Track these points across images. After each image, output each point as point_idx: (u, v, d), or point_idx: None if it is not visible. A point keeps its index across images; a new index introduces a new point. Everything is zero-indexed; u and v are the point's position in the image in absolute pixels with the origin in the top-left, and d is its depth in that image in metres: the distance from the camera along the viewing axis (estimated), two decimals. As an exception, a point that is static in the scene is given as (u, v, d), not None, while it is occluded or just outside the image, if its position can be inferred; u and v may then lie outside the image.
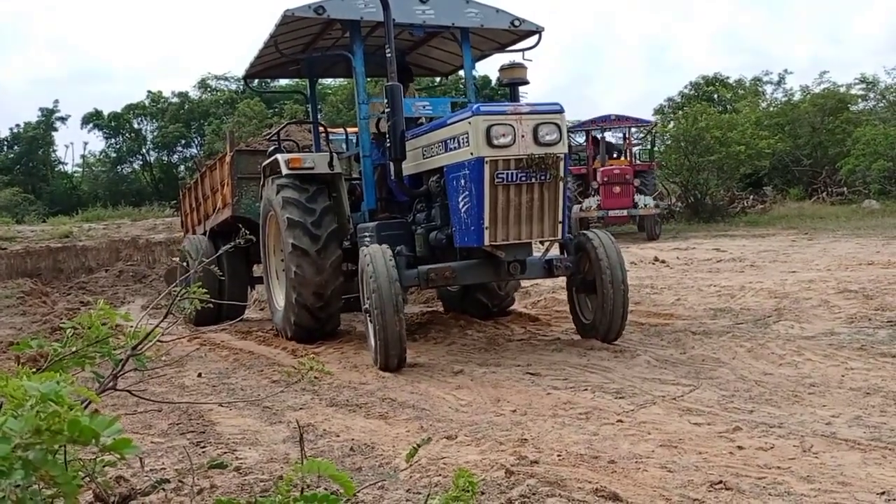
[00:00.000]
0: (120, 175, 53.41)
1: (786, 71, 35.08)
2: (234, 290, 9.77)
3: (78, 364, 2.13)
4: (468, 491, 1.82)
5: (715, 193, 22.18)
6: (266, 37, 7.50)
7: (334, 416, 4.54)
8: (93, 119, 52.75)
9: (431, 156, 6.42)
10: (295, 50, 8.05)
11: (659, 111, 35.24)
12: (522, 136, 5.64)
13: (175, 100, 53.28)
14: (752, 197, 24.46)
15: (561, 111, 5.85)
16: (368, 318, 6.04)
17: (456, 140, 5.93)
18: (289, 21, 7.02)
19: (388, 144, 6.53)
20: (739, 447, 3.54)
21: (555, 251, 6.62)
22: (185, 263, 10.56)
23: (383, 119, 7.87)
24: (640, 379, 5.11)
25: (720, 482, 3.03)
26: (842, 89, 27.87)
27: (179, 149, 54.50)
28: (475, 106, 5.81)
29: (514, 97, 6.68)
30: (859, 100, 27.73)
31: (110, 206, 40.89)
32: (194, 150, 53.21)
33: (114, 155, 54.16)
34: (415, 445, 2.22)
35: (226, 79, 54.34)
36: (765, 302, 7.82)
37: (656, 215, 18.08)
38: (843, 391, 4.54)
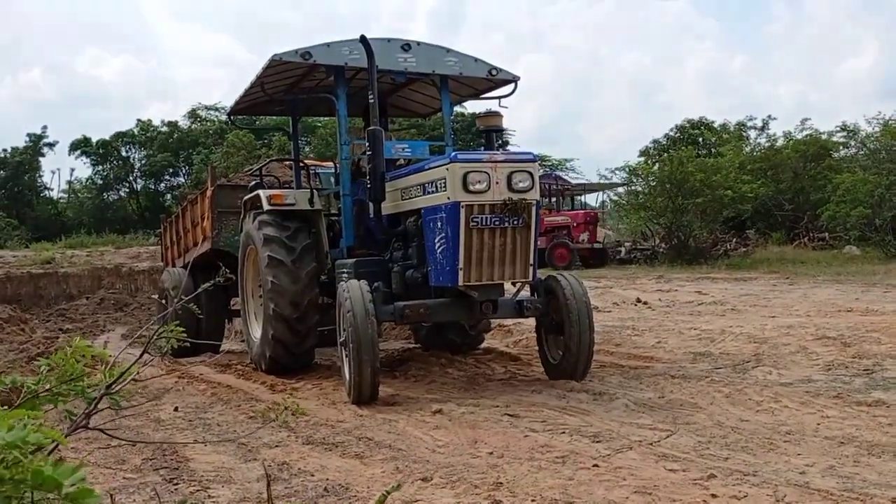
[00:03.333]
0: (106, 202, 53.23)
1: (769, 117, 35.50)
2: (212, 323, 9.76)
3: (51, 402, 2.12)
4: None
5: (699, 235, 22.36)
6: (253, 78, 7.75)
7: (310, 455, 4.51)
8: (81, 146, 52.68)
9: (410, 198, 6.64)
10: (279, 90, 8.34)
11: (644, 152, 35.63)
12: (497, 183, 5.88)
13: (164, 129, 53.41)
14: (734, 240, 24.67)
15: (534, 160, 6.17)
16: (344, 352, 6.14)
17: (434, 184, 6.16)
18: (275, 65, 7.30)
19: (369, 185, 6.78)
20: (713, 495, 3.55)
21: (525, 292, 6.81)
22: (163, 301, 10.62)
23: (364, 159, 7.98)
24: (617, 423, 5.11)
25: (692, 531, 3.04)
26: (823, 136, 28.32)
27: (167, 177, 54.47)
28: (453, 154, 6.07)
29: (490, 143, 6.91)
30: (840, 147, 28.17)
31: (95, 233, 40.72)
32: (182, 179, 53.21)
33: (100, 182, 54.01)
34: (385, 491, 2.23)
35: (216, 109, 54.51)
36: (744, 347, 7.87)
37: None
38: (818, 440, 4.57)
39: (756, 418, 5.17)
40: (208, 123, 53.72)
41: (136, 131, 53.82)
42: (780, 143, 29.82)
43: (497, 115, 6.72)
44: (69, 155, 53.24)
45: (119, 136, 53.34)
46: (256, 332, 8.09)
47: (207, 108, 54.47)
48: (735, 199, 22.02)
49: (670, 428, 4.93)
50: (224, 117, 54.18)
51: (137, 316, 18.36)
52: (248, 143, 42.47)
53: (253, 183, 9.01)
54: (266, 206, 7.62)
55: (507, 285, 6.54)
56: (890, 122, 24.68)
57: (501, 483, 3.76)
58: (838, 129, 28.17)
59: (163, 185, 55.51)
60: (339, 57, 7.18)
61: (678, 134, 37.08)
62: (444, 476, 3.98)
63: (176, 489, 3.88)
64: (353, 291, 5.98)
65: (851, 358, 7.03)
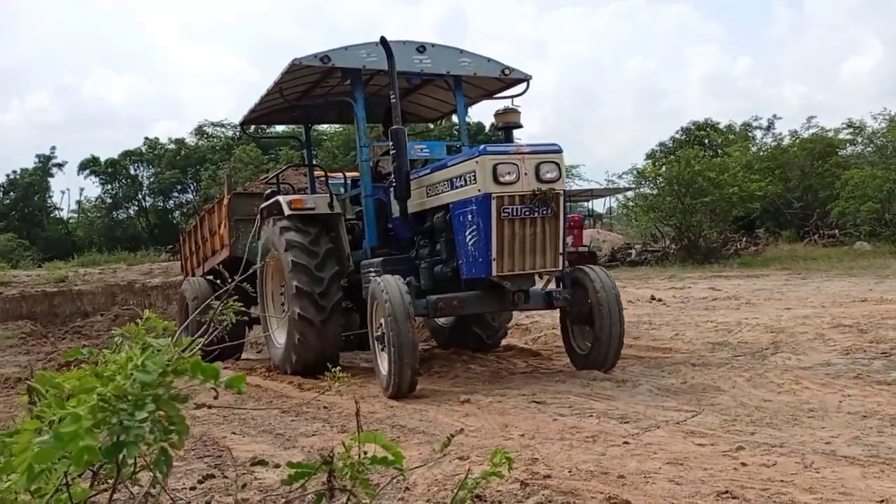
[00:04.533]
0: (115, 220, 53.58)
1: (775, 116, 35.73)
2: (233, 330, 9.76)
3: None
4: (504, 464, 1.96)
5: (708, 235, 22.44)
6: (270, 84, 7.92)
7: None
8: (89, 165, 53.12)
9: (436, 194, 6.77)
10: (296, 94, 8.44)
11: (651, 155, 35.79)
12: (525, 174, 6.03)
13: (172, 146, 53.79)
14: (744, 239, 24.73)
15: (560, 151, 6.27)
16: (379, 346, 6.23)
17: (462, 178, 6.30)
18: (295, 69, 7.46)
19: (393, 184, 6.96)
20: (743, 464, 3.66)
21: (551, 284, 6.90)
22: (184, 309, 10.78)
23: (383, 160, 8.17)
24: (643, 406, 5.23)
25: (727, 492, 3.16)
26: (830, 134, 28.39)
27: (175, 194, 54.82)
28: (482, 147, 6.19)
29: (509, 140, 6.99)
30: (847, 144, 28.23)
31: (106, 251, 41.01)
32: (190, 196, 53.56)
33: (109, 201, 54.39)
34: (449, 436, 2.36)
35: (222, 125, 54.89)
36: (761, 336, 7.97)
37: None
38: (841, 415, 4.68)
39: (779, 398, 5.28)
40: (215, 140, 54.07)
41: (143, 149, 54.24)
42: (786, 142, 29.90)
43: (515, 111, 6.78)
44: (78, 175, 53.76)
45: (127, 154, 53.75)
46: (280, 336, 8.14)
47: (214, 124, 54.83)
48: (743, 197, 22.09)
49: (695, 409, 5.04)
50: (231, 133, 54.69)
51: (153, 331, 18.48)
52: (255, 158, 42.80)
53: (269, 191, 9.17)
54: (287, 211, 7.75)
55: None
56: (894, 118, 24.75)
57: (537, 458, 3.87)
58: (844, 126, 28.25)
59: (171, 202, 55.86)
60: (356, 60, 7.37)
61: (684, 136, 37.23)
62: (480, 455, 4.09)
63: (222, 474, 4.01)
64: (391, 288, 6.03)
65: (869, 343, 7.14)
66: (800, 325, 8.30)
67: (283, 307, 8.05)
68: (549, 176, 6.10)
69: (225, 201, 10.42)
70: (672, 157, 26.36)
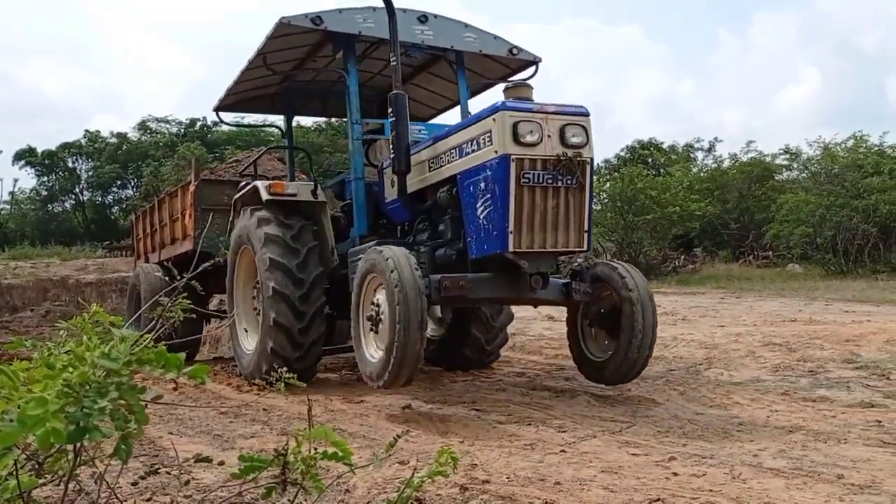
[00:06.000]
0: (50, 214, 52.13)
1: (716, 139, 36.87)
2: (188, 327, 9.23)
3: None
4: (449, 464, 2.01)
5: (648, 252, 22.96)
6: (252, 55, 7.14)
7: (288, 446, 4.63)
8: (25, 156, 51.59)
9: (440, 166, 6.00)
10: (282, 68, 7.62)
11: (596, 172, 36.35)
12: (549, 136, 5.28)
13: (113, 140, 52.62)
14: (683, 257, 25.37)
15: (587, 114, 5.49)
16: (369, 328, 5.47)
17: (475, 142, 5.54)
18: (282, 33, 6.64)
19: (388, 163, 6.31)
20: (674, 473, 3.78)
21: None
22: (134, 298, 10.21)
23: (375, 148, 7.17)
24: (580, 415, 5.34)
25: (658, 500, 3.26)
26: (767, 159, 29.38)
27: (115, 190, 53.63)
28: (499, 102, 5.37)
29: None
30: (784, 169, 29.25)
31: (39, 244, 39.83)
32: (130, 192, 52.44)
33: (45, 193, 52.90)
34: (395, 437, 2.40)
35: (166, 121, 53.97)
36: (696, 352, 8.21)
37: None
38: (768, 429, 4.85)
39: (710, 412, 5.45)
40: (158, 135, 53.11)
41: (83, 142, 52.94)
42: (726, 164, 30.86)
43: (527, 86, 5.77)
44: (13, 165, 52.16)
45: (66, 146, 52.38)
46: (248, 341, 7.35)
47: (158, 120, 53.87)
48: (683, 216, 22.72)
49: (630, 420, 5.17)
50: (175, 129, 53.80)
51: (85, 328, 18.03)
52: (199, 156, 42.17)
53: (244, 182, 8.22)
54: (265, 197, 6.91)
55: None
56: (829, 145, 25.73)
57: (476, 464, 3.93)
58: (782, 151, 29.28)
59: (110, 197, 54.63)
60: (352, 24, 6.62)
61: (628, 154, 38.00)
62: (421, 459, 4.13)
63: (159, 474, 3.96)
64: (400, 261, 5.11)
65: (797, 361, 7.40)
66: (732, 343, 8.57)
67: (255, 310, 7.28)
68: (574, 140, 5.32)
69: (191, 188, 9.42)
70: (616, 174, 26.94)
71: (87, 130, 54.05)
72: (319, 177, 7.66)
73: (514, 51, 7.18)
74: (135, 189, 50.08)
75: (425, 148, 6.20)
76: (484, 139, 5.41)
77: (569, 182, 5.34)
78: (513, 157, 5.19)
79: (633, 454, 4.24)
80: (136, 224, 12.57)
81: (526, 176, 5.22)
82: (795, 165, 28.50)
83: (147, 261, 11.24)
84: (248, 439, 4.81)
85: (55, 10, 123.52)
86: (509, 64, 7.51)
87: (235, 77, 7.60)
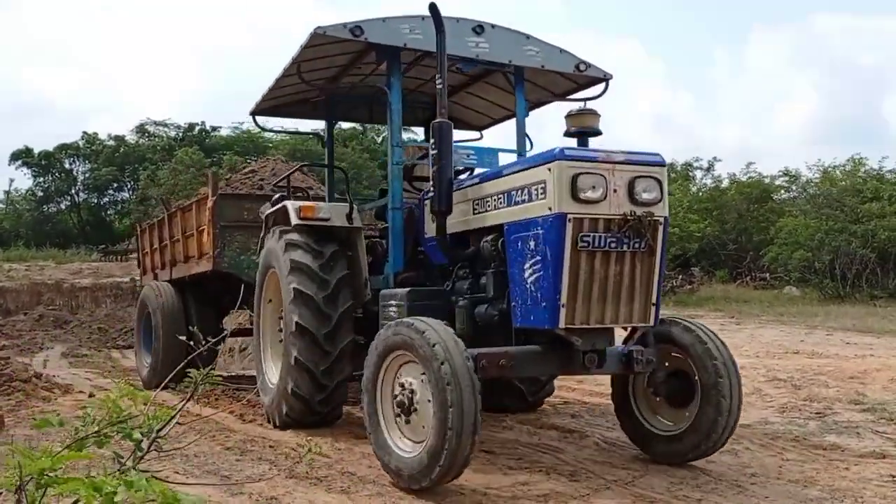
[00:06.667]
0: (45, 215, 52.03)
1: (715, 158, 36.96)
2: (209, 353, 8.60)
3: (98, 443, 2.19)
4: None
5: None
6: (287, 62, 6.48)
7: (296, 489, 4.56)
8: (22, 156, 51.51)
9: (485, 210, 5.20)
10: (318, 80, 6.97)
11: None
12: (615, 191, 4.49)
13: (111, 142, 52.55)
14: (680, 277, 25.38)
15: (663, 164, 4.73)
16: (398, 415, 4.64)
17: (525, 191, 4.73)
18: (317, 42, 6.00)
19: (430, 194, 5.52)
20: (694, 537, 3.73)
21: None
22: (145, 318, 9.86)
23: (420, 166, 6.72)
24: (590, 461, 5.29)
25: (682, 573, 3.21)
26: (767, 180, 29.48)
27: (111, 192, 53.58)
28: (557, 149, 4.56)
29: None
30: (782, 191, 29.35)
31: (34, 245, 39.66)
32: (126, 195, 52.37)
33: (41, 194, 52.78)
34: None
35: (165, 125, 53.99)
36: (701, 387, 8.15)
37: None
38: (782, 483, 4.80)
39: (721, 459, 5.38)
40: (156, 139, 53.10)
41: (80, 144, 52.87)
42: (725, 184, 30.91)
43: (593, 114, 5.12)
44: (9, 165, 52.09)
45: (63, 147, 52.33)
46: (272, 376, 6.73)
47: (156, 123, 53.88)
48: (682, 237, 22.71)
49: (642, 468, 5.11)
50: (173, 133, 53.76)
51: (78, 334, 17.92)
52: (197, 161, 42.13)
53: (278, 195, 7.52)
54: (294, 220, 6.30)
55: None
56: (829, 168, 25.82)
57: (492, 521, 3.88)
58: (781, 173, 29.38)
59: (106, 199, 54.57)
60: (396, 36, 5.87)
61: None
62: (434, 513, 4.09)
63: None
64: (450, 347, 4.25)
65: (803, 401, 7.37)
66: (737, 377, 8.52)
67: (280, 339, 6.70)
68: (646, 196, 4.54)
69: (209, 203, 8.70)
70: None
71: (84, 132, 53.96)
72: (362, 193, 7.09)
73: (582, 66, 6.44)
74: (131, 192, 50.01)
75: (471, 186, 5.42)
76: (536, 190, 4.62)
77: (636, 245, 4.55)
78: (569, 216, 4.40)
79: (649, 510, 4.19)
80: (142, 237, 11.93)
81: (585, 239, 4.43)
82: (794, 188, 28.62)
83: (156, 278, 10.67)
84: (257, 482, 4.73)
85: (57, 9, 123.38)
86: (575, 79, 6.82)
87: (270, 84, 7.00)
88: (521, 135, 6.65)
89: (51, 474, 1.87)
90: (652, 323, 4.72)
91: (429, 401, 4.31)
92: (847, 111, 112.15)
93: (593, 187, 4.44)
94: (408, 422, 4.55)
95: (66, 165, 52.93)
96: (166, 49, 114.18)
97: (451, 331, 4.41)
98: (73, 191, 53.08)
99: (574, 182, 4.41)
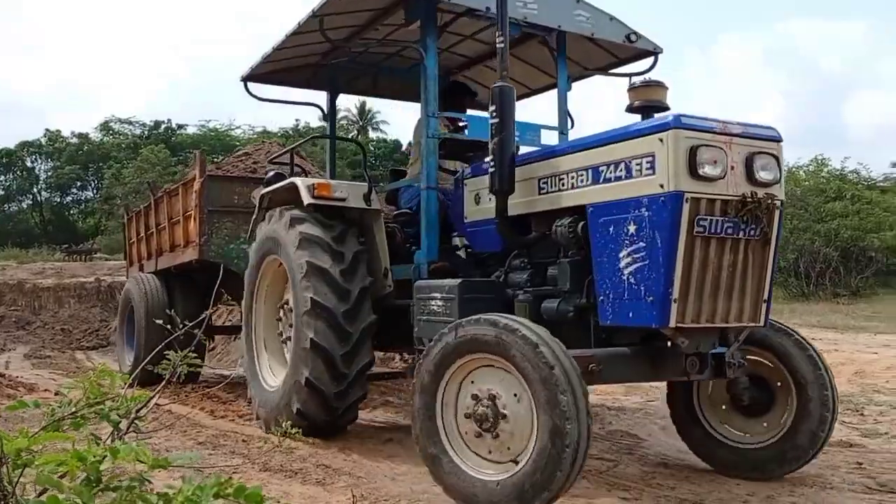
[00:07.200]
0: (6, 214, 51.10)
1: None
2: (190, 342, 7.80)
3: (75, 426, 2.16)
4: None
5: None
6: (303, 17, 5.68)
7: (270, 482, 4.52)
8: (-18, 153, 50.52)
9: (557, 190, 4.49)
10: (340, 35, 5.99)
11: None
12: (732, 168, 3.89)
13: (74, 140, 51.75)
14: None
15: (780, 139, 4.11)
16: (485, 433, 3.76)
17: (621, 166, 4.06)
18: None
19: (469, 174, 5.02)
20: (669, 522, 3.77)
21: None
22: (128, 312, 9.40)
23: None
24: (565, 452, 5.32)
25: (659, 556, 3.24)
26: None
27: (74, 191, 52.76)
28: (671, 116, 3.89)
29: None
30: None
31: (-5, 245, 38.87)
32: (90, 194, 51.62)
33: (2, 192, 51.83)
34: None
35: (130, 122, 53.36)
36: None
37: None
38: (753, 471, 4.86)
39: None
40: (121, 137, 52.45)
41: (43, 141, 52.00)
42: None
43: (660, 86, 4.37)
44: (-31, 163, 51.02)
45: (25, 145, 51.44)
46: (272, 376, 6.13)
47: (121, 121, 53.20)
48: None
49: (615, 457, 5.17)
50: (139, 131, 53.11)
51: (41, 335, 17.67)
52: (163, 160, 41.72)
53: (272, 173, 6.84)
54: (307, 199, 5.63)
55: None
56: (793, 169, 26.26)
57: (468, 510, 3.87)
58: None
59: (69, 198, 53.75)
60: None
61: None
62: (409, 503, 4.08)
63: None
64: (549, 341, 3.56)
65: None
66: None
67: (280, 335, 6.19)
68: (765, 175, 3.94)
69: (196, 185, 8.05)
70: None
71: (47, 129, 53.06)
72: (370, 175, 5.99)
73: (633, 37, 5.76)
74: (95, 191, 49.30)
75: (537, 160, 4.72)
76: (641, 164, 3.94)
77: (751, 232, 3.96)
78: (687, 195, 3.76)
79: (624, 498, 4.23)
80: (129, 225, 11.19)
81: (701, 223, 3.80)
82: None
83: (142, 269, 10.04)
84: (231, 475, 4.68)
85: (19, 4, 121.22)
86: (618, 53, 6.12)
87: (277, 42, 6.17)
88: (563, 111, 5.96)
89: (27, 455, 1.84)
90: (762, 323, 4.14)
91: (528, 413, 3.57)
92: (812, 114, 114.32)
93: (715, 162, 3.81)
94: (490, 438, 3.73)
95: (29, 164, 52.05)
96: (133, 46, 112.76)
97: (561, 345, 3.62)
98: (35, 189, 52.18)
99: (693, 155, 3.77)
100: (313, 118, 50.94)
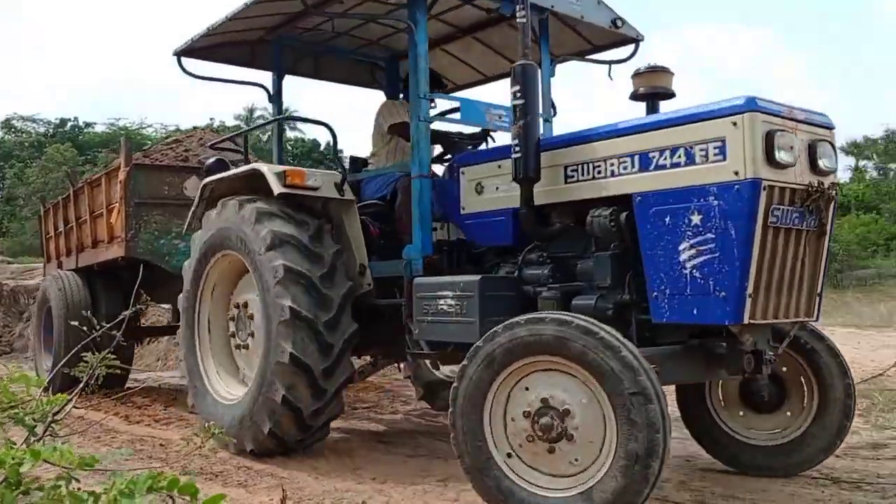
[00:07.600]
0: None
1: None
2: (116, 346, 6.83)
3: (-12, 429, 2.09)
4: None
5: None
6: None
7: (191, 486, 4.44)
8: None
9: (592, 178, 4.16)
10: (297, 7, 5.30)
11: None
12: (798, 156, 3.68)
13: (-27, 138, 49.31)
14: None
15: (834, 127, 3.98)
16: (553, 448, 3.42)
17: (684, 151, 3.74)
18: None
19: (517, 153, 4.19)
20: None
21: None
22: (45, 313, 8.66)
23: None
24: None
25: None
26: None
27: (-27, 191, 50.21)
28: (743, 98, 3.59)
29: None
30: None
31: None
32: (-8, 194, 49.25)
33: None
34: None
35: (33, 120, 51.22)
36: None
37: None
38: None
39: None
40: (24, 135, 50.29)
41: (-61, 139, 49.36)
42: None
43: (666, 72, 4.28)
44: None
45: (-82, 143, 48.68)
46: (225, 387, 5.53)
47: (24, 118, 51.00)
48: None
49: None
50: (42, 129, 51.00)
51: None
52: (70, 159, 40.13)
53: (212, 159, 6.22)
54: (278, 189, 5.05)
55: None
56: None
57: (392, 505, 3.90)
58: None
59: (-32, 199, 51.13)
60: None
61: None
62: (334, 502, 4.08)
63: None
64: (627, 343, 3.29)
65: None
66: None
67: (235, 341, 5.59)
68: (826, 164, 3.77)
69: (121, 175, 7.29)
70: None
71: (-57, 126, 50.40)
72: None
73: (618, 23, 5.56)
74: (-3, 191, 47.10)
75: (559, 147, 4.38)
76: (707, 150, 3.65)
77: (811, 224, 3.78)
78: (765, 184, 3.51)
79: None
80: (46, 219, 10.29)
81: (775, 213, 3.58)
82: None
83: (61, 266, 9.23)
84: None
85: None
86: (595, 39, 5.87)
87: (229, 13, 5.51)
88: (547, 99, 5.66)
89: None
90: (815, 318, 3.97)
91: (598, 423, 3.26)
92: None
93: (791, 148, 3.57)
94: (551, 451, 3.39)
95: (-78, 162, 49.28)
96: (37, 40, 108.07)
97: (616, 330, 3.39)
98: (-71, 189, 49.46)
99: (770, 140, 3.52)
100: (238, 109, 49.92)
